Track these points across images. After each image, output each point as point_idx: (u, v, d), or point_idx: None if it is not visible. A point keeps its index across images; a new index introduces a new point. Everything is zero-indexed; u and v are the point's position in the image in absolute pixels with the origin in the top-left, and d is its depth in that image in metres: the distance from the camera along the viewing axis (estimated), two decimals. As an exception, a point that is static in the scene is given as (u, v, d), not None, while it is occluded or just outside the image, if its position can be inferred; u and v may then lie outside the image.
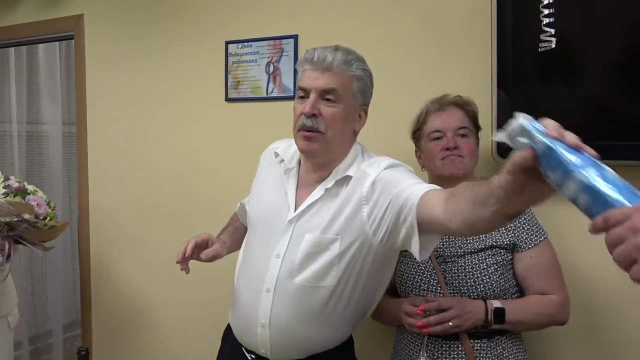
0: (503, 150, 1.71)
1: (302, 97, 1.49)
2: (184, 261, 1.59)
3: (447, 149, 1.59)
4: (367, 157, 1.54)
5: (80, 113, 2.77)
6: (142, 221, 2.62)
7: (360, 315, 1.60)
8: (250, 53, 2.25)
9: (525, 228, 1.56)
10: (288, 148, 1.61)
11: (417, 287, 1.59)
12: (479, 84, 1.78)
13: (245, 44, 2.27)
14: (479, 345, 1.52)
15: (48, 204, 2.28)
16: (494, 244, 1.55)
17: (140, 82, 2.58)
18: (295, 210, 1.52)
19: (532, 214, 1.59)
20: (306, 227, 1.49)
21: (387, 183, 1.40)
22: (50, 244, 2.38)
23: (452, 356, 1.52)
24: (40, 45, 3.67)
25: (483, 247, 1.55)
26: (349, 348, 1.64)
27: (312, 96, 1.45)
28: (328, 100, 1.45)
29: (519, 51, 1.70)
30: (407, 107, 1.74)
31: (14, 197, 2.16)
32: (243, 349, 1.61)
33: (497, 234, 1.55)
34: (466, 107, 1.64)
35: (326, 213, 1.47)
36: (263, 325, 1.51)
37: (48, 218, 2.24)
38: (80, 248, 2.83)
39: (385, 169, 1.44)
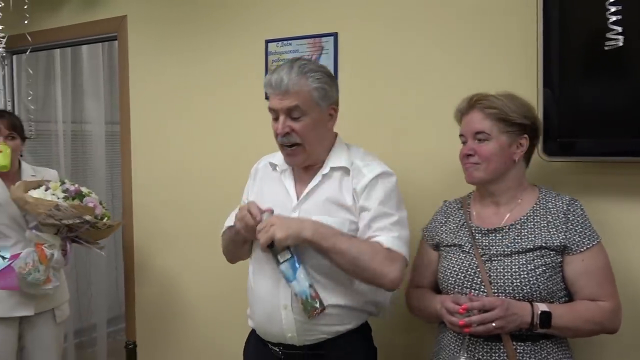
0: (550, 148, 1.67)
1: (275, 119, 1.66)
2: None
3: (466, 155, 1.59)
4: (354, 151, 1.74)
5: (123, 113, 2.83)
6: (182, 218, 2.66)
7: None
8: (290, 51, 2.26)
9: (578, 230, 1.50)
10: (277, 156, 1.78)
11: (460, 284, 1.56)
12: (524, 82, 1.73)
13: (285, 42, 2.27)
14: (522, 348, 1.48)
15: (101, 204, 2.40)
16: (543, 244, 1.50)
17: (181, 81, 2.61)
18: (297, 199, 1.69)
19: (585, 215, 1.53)
20: (312, 211, 1.65)
21: (370, 195, 1.63)
22: (102, 242, 2.50)
23: (493, 358, 1.49)
24: (84, 47, 3.76)
25: (532, 247, 1.50)
26: (367, 332, 1.76)
27: (281, 117, 1.63)
28: (295, 117, 1.62)
29: (566, 48, 1.64)
30: (451, 104, 1.69)
31: (73, 200, 2.28)
32: (268, 346, 1.70)
33: (548, 234, 1.50)
34: (487, 111, 1.55)
35: (326, 196, 1.66)
36: (285, 307, 1.62)
37: (105, 218, 2.37)
38: (124, 246, 2.89)
39: (377, 175, 1.65)
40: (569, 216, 1.51)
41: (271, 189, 1.77)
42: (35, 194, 2.27)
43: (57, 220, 2.25)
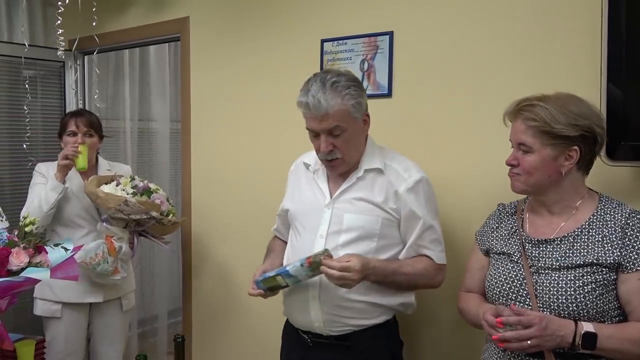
0: (614, 152, 1.57)
1: (314, 136, 1.72)
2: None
3: (510, 164, 1.51)
4: (386, 152, 1.80)
5: (184, 112, 2.91)
6: (240, 214, 2.71)
7: None
8: (345, 50, 2.25)
9: (636, 247, 1.39)
10: (311, 156, 1.87)
11: (505, 295, 1.50)
12: (586, 77, 1.65)
13: (341, 41, 2.26)
14: None
15: (168, 201, 2.48)
16: (595, 261, 1.40)
17: (239, 81, 2.66)
18: (331, 197, 1.77)
19: None
20: (345, 209, 1.73)
21: (411, 204, 1.72)
22: (168, 237, 2.59)
23: None
24: (151, 47, 3.89)
25: (582, 262, 1.41)
26: (394, 327, 1.82)
27: (323, 137, 1.68)
28: (336, 135, 1.67)
29: (633, 41, 1.54)
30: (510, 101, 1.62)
31: (141, 196, 2.37)
32: (300, 332, 1.80)
33: (602, 250, 1.41)
34: (528, 123, 1.44)
35: (359, 195, 1.73)
36: (314, 298, 1.72)
37: (171, 214, 2.46)
38: (182, 240, 2.98)
39: (419, 181, 1.73)
40: (626, 231, 1.40)
41: (305, 187, 1.86)
42: (106, 188, 2.37)
43: (125, 214, 2.34)
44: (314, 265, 1.61)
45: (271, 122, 2.55)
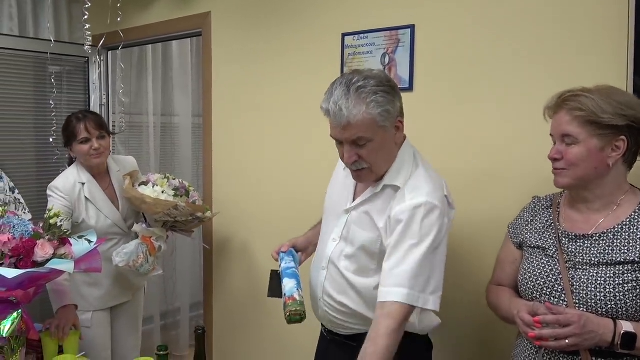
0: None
1: (339, 144, 1.58)
2: None
3: (553, 158, 1.46)
4: (416, 167, 1.59)
5: (206, 107, 2.93)
6: (260, 208, 2.72)
7: None
8: (366, 44, 2.23)
9: None
10: None
11: (539, 290, 1.47)
12: (613, 72, 1.61)
13: (362, 35, 2.25)
14: None
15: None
16: (637, 259, 1.35)
17: (260, 75, 2.66)
18: (352, 203, 1.68)
19: None
20: (354, 221, 1.65)
21: (397, 231, 1.51)
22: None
23: None
24: (174, 42, 3.92)
25: (623, 260, 1.37)
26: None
27: (346, 147, 1.54)
28: (361, 145, 1.52)
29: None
30: (537, 99, 1.59)
31: (181, 197, 2.40)
32: (322, 324, 1.84)
33: None
34: (574, 113, 1.40)
35: (368, 211, 1.62)
36: (320, 299, 1.73)
37: (208, 212, 2.50)
38: (204, 235, 3.00)
39: (415, 208, 1.50)
40: None
41: (339, 185, 1.78)
42: (148, 192, 2.35)
43: (172, 217, 2.36)
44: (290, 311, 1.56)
45: (292, 116, 2.55)
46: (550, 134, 1.49)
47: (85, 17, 2.72)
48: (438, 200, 1.51)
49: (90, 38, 2.81)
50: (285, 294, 1.59)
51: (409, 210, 1.50)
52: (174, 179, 2.48)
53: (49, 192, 2.39)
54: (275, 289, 1.71)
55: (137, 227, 2.44)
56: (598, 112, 1.37)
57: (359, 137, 1.50)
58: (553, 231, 1.51)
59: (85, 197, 2.40)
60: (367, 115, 1.47)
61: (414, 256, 1.47)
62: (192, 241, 4.13)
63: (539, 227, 1.56)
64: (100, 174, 2.49)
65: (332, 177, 1.87)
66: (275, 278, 1.72)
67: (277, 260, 1.77)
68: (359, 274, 1.64)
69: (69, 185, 2.39)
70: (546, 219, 1.56)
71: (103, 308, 2.51)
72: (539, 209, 1.60)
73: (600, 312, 1.36)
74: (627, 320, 1.34)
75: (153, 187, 2.38)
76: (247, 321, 2.81)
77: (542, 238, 1.53)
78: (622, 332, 1.31)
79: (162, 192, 2.38)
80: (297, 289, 1.59)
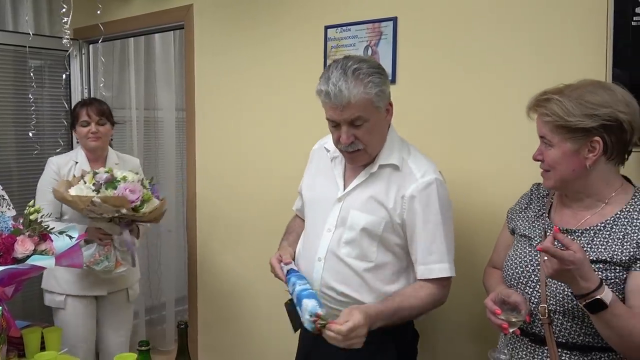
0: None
1: (334, 126, 1.63)
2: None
3: (537, 159, 1.47)
4: (406, 147, 1.71)
5: (188, 101, 2.91)
6: (244, 205, 2.71)
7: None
8: (349, 37, 2.23)
9: None
10: (331, 140, 1.75)
11: (517, 279, 1.49)
12: (593, 64, 1.62)
13: (344, 28, 2.24)
14: (567, 356, 1.38)
15: (142, 183, 2.34)
16: (609, 259, 1.34)
17: (243, 69, 2.65)
18: (344, 190, 1.71)
19: None
20: (352, 205, 1.68)
21: (418, 210, 1.63)
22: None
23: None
24: (156, 35, 3.87)
25: (596, 259, 1.35)
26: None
27: (344, 128, 1.60)
28: (357, 125, 1.59)
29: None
30: (521, 91, 1.58)
31: (106, 189, 2.23)
32: None
33: (619, 248, 1.34)
34: (543, 118, 1.40)
35: (370, 194, 1.66)
36: (317, 290, 1.69)
37: (145, 206, 2.29)
38: (188, 234, 2.99)
39: (429, 185, 1.62)
40: None
41: (322, 177, 1.81)
42: (73, 191, 2.25)
43: (98, 214, 2.26)
44: (320, 324, 1.50)
45: (275, 109, 2.54)
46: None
47: (63, 9, 2.68)
48: (441, 175, 1.68)
49: (69, 31, 2.77)
50: (311, 314, 1.50)
51: (424, 188, 1.63)
52: (107, 172, 2.29)
53: (46, 166, 2.57)
54: (296, 318, 1.62)
55: (87, 226, 2.34)
56: (565, 116, 1.35)
57: (357, 116, 1.57)
58: (541, 222, 1.52)
59: (74, 175, 2.46)
60: (365, 95, 1.56)
61: (442, 232, 1.63)
62: (177, 236, 4.12)
63: (531, 216, 1.56)
64: (97, 160, 2.56)
65: (307, 169, 1.90)
66: (292, 309, 1.65)
67: (273, 267, 1.77)
68: (361, 259, 1.67)
69: (63, 160, 2.57)
70: (539, 208, 1.57)
71: (76, 294, 2.51)
72: (535, 197, 1.60)
73: (569, 306, 1.36)
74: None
75: (84, 183, 2.27)
76: (232, 315, 2.80)
77: (531, 227, 1.54)
78: (597, 297, 1.25)
79: (88, 187, 2.24)
80: (319, 307, 1.53)
